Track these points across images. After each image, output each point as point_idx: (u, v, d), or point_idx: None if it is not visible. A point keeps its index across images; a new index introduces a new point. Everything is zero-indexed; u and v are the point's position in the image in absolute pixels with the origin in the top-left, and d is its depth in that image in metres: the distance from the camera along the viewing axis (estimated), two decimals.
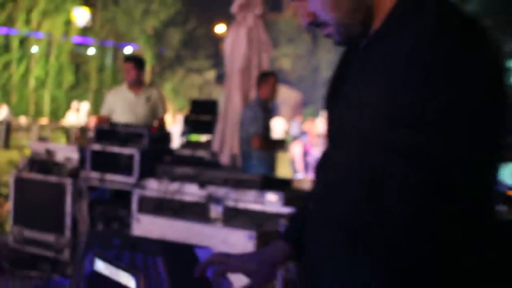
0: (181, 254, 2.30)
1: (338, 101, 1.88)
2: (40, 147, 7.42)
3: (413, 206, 1.49)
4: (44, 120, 35.31)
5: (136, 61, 8.08)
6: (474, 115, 1.49)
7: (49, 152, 7.22)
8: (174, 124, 18.05)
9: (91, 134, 20.59)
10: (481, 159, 1.49)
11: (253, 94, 7.88)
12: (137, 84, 7.88)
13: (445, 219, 1.45)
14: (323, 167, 1.96)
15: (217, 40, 42.88)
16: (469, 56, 1.53)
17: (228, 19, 8.47)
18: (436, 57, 1.54)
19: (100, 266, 1.80)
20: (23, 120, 33.90)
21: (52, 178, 6.93)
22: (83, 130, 23.82)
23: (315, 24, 1.80)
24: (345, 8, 1.73)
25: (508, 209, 4.08)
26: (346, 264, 1.68)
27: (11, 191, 7.33)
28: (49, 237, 6.89)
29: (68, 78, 38.65)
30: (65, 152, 7.19)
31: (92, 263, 1.81)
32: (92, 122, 23.50)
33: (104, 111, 7.92)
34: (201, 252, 2.32)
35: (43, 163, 7.13)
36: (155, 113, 7.93)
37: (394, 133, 1.55)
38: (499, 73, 1.57)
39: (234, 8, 8.15)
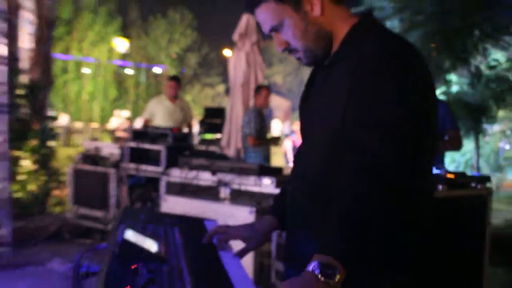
0: (193, 225, 2.30)
1: (307, 106, 1.89)
2: (91, 145, 7.43)
3: (352, 180, 1.50)
4: (94, 125, 35.31)
5: (177, 80, 8.11)
6: (394, 118, 1.51)
7: (97, 149, 7.23)
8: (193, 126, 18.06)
9: (119, 133, 20.66)
10: (402, 150, 1.49)
11: (251, 103, 7.87)
12: (175, 97, 7.89)
13: (373, 188, 1.46)
14: (298, 157, 1.97)
15: (225, 62, 42.82)
16: (397, 73, 1.55)
17: (232, 45, 8.44)
18: (370, 74, 1.56)
19: (130, 235, 1.80)
20: (79, 125, 33.88)
21: (100, 169, 6.95)
22: (112, 131, 23.90)
23: (288, 50, 1.81)
24: (310, 38, 1.74)
25: (447, 188, 4.07)
26: (312, 224, 1.70)
27: (69, 179, 7.35)
28: (99, 213, 6.91)
29: (112, 92, 38.49)
30: (109, 149, 7.21)
31: (123, 233, 1.81)
32: (122, 126, 23.51)
33: (146, 115, 7.92)
34: (208, 224, 2.31)
35: (93, 157, 7.15)
36: (186, 119, 7.97)
37: (343, 130, 1.58)
38: (422, 85, 1.58)
39: (235, 37, 8.13)
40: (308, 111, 1.88)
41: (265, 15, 1.77)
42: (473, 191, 4.18)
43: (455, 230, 4.09)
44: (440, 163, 5.31)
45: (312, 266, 1.35)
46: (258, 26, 7.73)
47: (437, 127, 1.67)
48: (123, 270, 1.59)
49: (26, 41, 8.95)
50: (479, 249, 4.26)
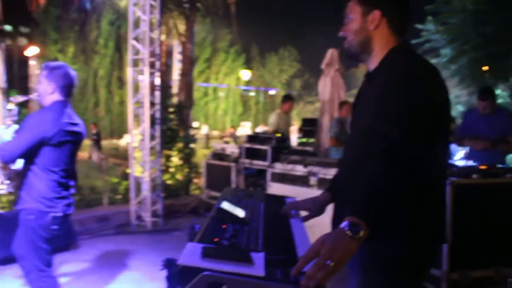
0: (276, 201, 2.36)
1: (356, 109, 1.94)
2: (218, 146, 7.66)
3: (373, 159, 1.53)
4: (226, 133, 36.30)
5: (293, 99, 7.69)
6: (410, 118, 1.52)
7: (223, 149, 7.45)
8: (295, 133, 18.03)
9: (226, 138, 20.85)
10: (415, 140, 1.51)
11: (335, 114, 7.80)
12: (289, 111, 7.57)
13: (386, 166, 1.48)
14: (346, 146, 2.01)
15: None
16: (410, 86, 1.57)
17: (321, 72, 8.37)
18: (393, 86, 1.59)
19: (225, 205, 1.90)
20: (215, 133, 34.93)
21: (225, 163, 7.13)
22: (221, 136, 24.33)
23: (343, 37, 1.88)
24: (357, 38, 1.82)
25: (480, 176, 3.88)
26: (350, 194, 1.72)
27: (203, 170, 7.62)
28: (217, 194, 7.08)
29: (239, 109, 39.46)
30: (231, 148, 7.38)
31: (220, 204, 1.92)
32: (228, 133, 23.72)
33: (271, 126, 7.69)
34: (289, 200, 2.38)
35: (219, 155, 7.36)
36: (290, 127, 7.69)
37: (377, 126, 1.59)
38: (428, 96, 1.58)
39: (323, 66, 8.09)
40: (356, 112, 1.93)
41: (349, 6, 1.85)
42: (502, 179, 3.95)
43: (490, 208, 3.90)
44: (501, 160, 4.93)
45: (343, 224, 1.39)
46: (340, 56, 7.62)
47: (444, 124, 1.66)
48: (216, 228, 1.71)
49: (176, 74, 9.44)
50: (510, 224, 4.02)
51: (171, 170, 8.32)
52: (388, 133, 1.52)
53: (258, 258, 1.40)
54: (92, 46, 30.50)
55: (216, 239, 1.54)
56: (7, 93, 10.36)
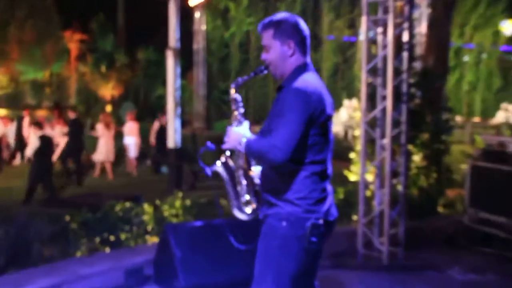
0: None
1: None
2: (493, 140, 7.18)
3: None
4: (476, 119, 34.82)
5: None
6: None
7: (502, 144, 6.95)
8: None
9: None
10: None
11: None
12: None
13: None
14: None
15: None
16: None
17: None
18: None
19: None
20: (458, 118, 33.71)
21: (506, 167, 6.60)
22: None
23: None
24: None
25: None
26: None
27: (467, 177, 7.18)
28: (501, 219, 6.62)
29: (496, 82, 37.57)
30: None
31: None
32: None
33: None
34: None
35: (497, 154, 6.86)
36: None
37: None
38: None
39: None
40: None
41: None
42: None
43: None
44: None
45: None
46: None
47: None
48: None
49: (422, 25, 9.09)
50: None
51: (411, 172, 8.04)
52: None
53: None
54: None
55: None
56: (178, 55, 11.22)
